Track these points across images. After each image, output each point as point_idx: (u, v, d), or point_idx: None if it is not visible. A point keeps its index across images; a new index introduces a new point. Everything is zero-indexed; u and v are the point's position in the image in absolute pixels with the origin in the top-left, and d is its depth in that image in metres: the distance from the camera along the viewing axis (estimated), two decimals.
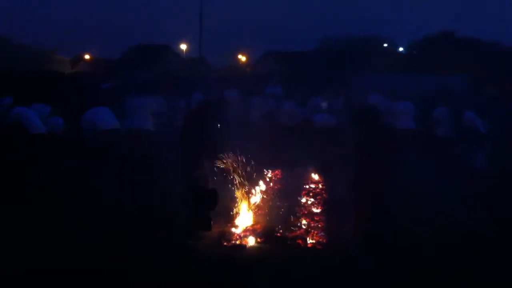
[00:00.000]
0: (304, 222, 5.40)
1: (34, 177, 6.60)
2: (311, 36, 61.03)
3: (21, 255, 4.45)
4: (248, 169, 5.65)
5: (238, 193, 5.59)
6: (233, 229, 5.21)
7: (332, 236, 5.04)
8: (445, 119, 8.42)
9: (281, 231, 5.13)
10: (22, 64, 20.03)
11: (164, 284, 4.01)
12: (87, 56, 35.35)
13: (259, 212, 5.69)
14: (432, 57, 22.82)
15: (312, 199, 6.28)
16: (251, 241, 4.93)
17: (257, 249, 4.83)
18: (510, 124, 8.52)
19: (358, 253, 4.49)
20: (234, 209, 5.57)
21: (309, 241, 4.93)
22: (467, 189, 6.52)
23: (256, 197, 6.13)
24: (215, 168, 5.29)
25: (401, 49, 31.97)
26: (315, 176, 7.38)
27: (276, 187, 6.83)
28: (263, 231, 5.13)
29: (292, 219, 5.41)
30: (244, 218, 5.48)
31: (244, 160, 5.57)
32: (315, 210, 5.89)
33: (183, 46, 36.38)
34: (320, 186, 6.97)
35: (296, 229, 5.19)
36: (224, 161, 5.38)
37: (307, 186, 6.89)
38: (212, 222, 5.20)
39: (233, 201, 5.63)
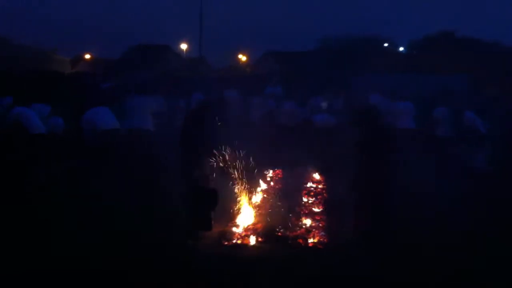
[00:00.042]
0: (305, 221, 5.40)
1: (34, 177, 6.60)
2: (311, 36, 61.10)
3: (21, 255, 4.44)
4: (251, 163, 5.64)
5: (239, 192, 5.58)
6: (233, 229, 5.21)
7: (333, 236, 5.04)
8: (445, 119, 8.42)
9: (282, 230, 5.13)
10: (22, 64, 20.02)
11: (164, 284, 4.01)
12: (87, 56, 35.33)
13: (260, 211, 5.68)
14: (432, 57, 22.83)
15: (313, 198, 6.28)
16: (251, 240, 4.93)
17: (257, 249, 4.83)
18: (510, 124, 8.53)
19: (358, 253, 4.49)
20: (235, 208, 5.57)
21: (310, 240, 4.93)
22: (467, 189, 6.52)
23: (257, 197, 6.13)
24: (214, 164, 5.26)
25: (401, 48, 31.98)
26: (316, 176, 7.38)
27: (276, 186, 6.83)
28: (264, 230, 5.13)
29: (293, 219, 5.41)
30: (245, 217, 5.48)
31: (242, 158, 5.56)
32: (316, 209, 5.89)
33: (183, 46, 36.38)
34: (321, 185, 6.98)
35: (297, 228, 5.19)
36: (223, 156, 5.36)
37: (308, 186, 6.89)
38: (212, 222, 5.20)
39: (233, 200, 5.63)
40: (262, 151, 6.84)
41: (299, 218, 5.48)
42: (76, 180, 6.73)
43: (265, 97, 10.48)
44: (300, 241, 4.91)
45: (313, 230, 5.17)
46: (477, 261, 4.44)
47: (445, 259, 4.46)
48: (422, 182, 6.71)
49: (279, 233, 5.08)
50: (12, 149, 6.61)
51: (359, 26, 63.42)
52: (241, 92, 10.96)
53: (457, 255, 4.53)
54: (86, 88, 11.74)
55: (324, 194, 6.55)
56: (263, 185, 6.66)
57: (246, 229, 5.19)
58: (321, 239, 4.96)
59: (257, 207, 5.80)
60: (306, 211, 5.80)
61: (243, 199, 5.61)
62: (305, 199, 6.27)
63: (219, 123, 5.34)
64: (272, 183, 7.00)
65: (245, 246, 4.85)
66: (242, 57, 35.81)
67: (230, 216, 5.51)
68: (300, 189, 6.67)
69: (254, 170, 5.87)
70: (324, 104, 9.66)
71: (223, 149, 5.37)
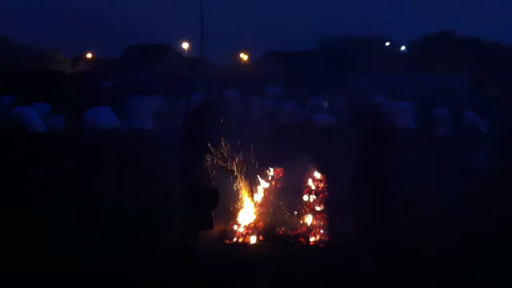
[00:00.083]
0: (306, 220, 5.39)
1: (34, 177, 6.60)
2: (311, 36, 61.25)
3: (21, 255, 4.44)
4: (251, 162, 5.63)
5: (239, 191, 5.58)
6: (234, 227, 5.20)
7: (334, 235, 5.04)
8: (445, 119, 8.43)
9: (283, 229, 5.12)
10: (22, 64, 19.99)
11: (164, 284, 4.01)
12: (87, 56, 35.34)
13: (261, 210, 5.67)
14: (432, 57, 22.85)
15: (314, 197, 6.27)
16: (252, 239, 4.92)
17: (258, 247, 4.82)
18: (510, 124, 8.54)
19: (358, 253, 4.49)
20: (236, 207, 5.57)
21: (311, 239, 4.91)
22: (467, 189, 6.51)
23: (258, 195, 6.13)
24: (214, 159, 5.24)
25: (403, 47, 31.96)
26: (317, 175, 7.38)
27: (278, 185, 6.83)
28: (265, 229, 5.12)
29: (294, 217, 5.40)
30: (246, 216, 5.47)
31: (243, 157, 5.55)
32: (317, 208, 5.88)
33: (185, 45, 36.34)
34: (322, 184, 6.97)
35: (298, 227, 5.19)
36: (222, 154, 5.33)
37: (309, 184, 6.89)
38: (213, 221, 5.20)
39: (234, 198, 5.63)
40: (262, 151, 6.83)
41: (300, 217, 5.47)
42: (76, 180, 6.73)
43: (265, 97, 10.49)
44: (301, 240, 4.89)
45: (315, 228, 5.15)
46: (477, 261, 4.44)
47: (445, 259, 4.46)
48: (422, 182, 6.71)
49: (280, 232, 5.07)
50: (12, 149, 6.61)
51: (359, 26, 63.55)
52: (241, 92, 10.96)
53: (457, 255, 4.53)
54: (86, 88, 11.75)
55: (325, 193, 6.54)
56: (264, 184, 6.65)
57: (247, 228, 5.18)
58: (322, 238, 4.94)
59: (258, 206, 5.79)
60: (308, 210, 5.79)
61: (244, 198, 5.61)
62: (306, 198, 6.26)
63: (219, 123, 5.33)
64: (273, 182, 6.99)
65: (245, 245, 4.84)
66: (243, 57, 35.78)
67: (231, 215, 5.51)
68: (301, 187, 6.67)
69: (255, 169, 5.86)
70: (324, 104, 9.67)
71: (223, 149, 5.35)
